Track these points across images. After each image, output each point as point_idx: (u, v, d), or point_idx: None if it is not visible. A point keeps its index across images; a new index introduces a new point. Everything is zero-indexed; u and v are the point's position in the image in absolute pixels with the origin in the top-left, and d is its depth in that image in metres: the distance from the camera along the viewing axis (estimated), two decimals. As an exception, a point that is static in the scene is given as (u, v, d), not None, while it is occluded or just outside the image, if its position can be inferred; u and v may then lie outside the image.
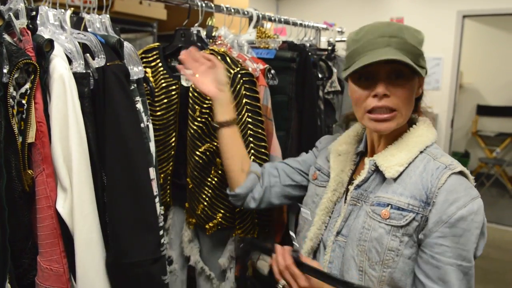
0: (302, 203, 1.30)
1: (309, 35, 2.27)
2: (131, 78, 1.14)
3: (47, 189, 0.97)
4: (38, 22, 1.07)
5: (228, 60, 1.44)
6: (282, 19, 2.03)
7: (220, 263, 1.58)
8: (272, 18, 1.96)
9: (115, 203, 1.06)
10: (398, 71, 1.02)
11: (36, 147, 0.96)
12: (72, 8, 1.19)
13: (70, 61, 1.04)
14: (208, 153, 1.45)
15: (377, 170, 1.09)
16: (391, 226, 1.01)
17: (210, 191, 1.49)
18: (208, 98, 1.39)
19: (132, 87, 1.15)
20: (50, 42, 0.98)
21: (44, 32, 1.07)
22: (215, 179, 1.48)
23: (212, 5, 1.64)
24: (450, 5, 5.23)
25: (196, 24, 1.60)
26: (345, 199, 1.15)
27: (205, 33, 1.64)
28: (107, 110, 1.05)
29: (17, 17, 0.99)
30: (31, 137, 0.95)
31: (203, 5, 1.59)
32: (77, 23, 1.20)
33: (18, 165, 0.94)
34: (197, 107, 1.45)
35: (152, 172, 1.16)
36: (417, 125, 1.12)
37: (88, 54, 1.06)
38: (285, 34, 2.49)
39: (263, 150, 1.45)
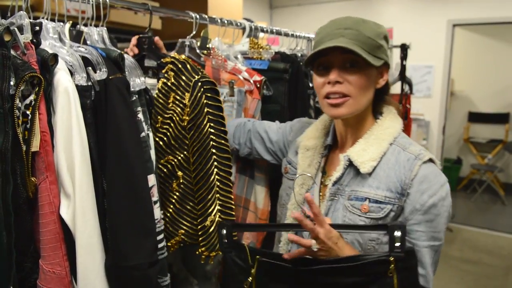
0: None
1: (300, 45, 2.32)
2: (133, 90, 1.19)
3: (50, 195, 1.01)
4: (38, 36, 1.10)
5: (189, 67, 1.35)
6: (274, 30, 2.07)
7: (207, 270, 1.59)
8: (265, 29, 2.00)
9: (114, 209, 1.10)
10: (352, 61, 1.09)
11: (40, 156, 1.00)
12: (71, 21, 1.22)
13: (71, 74, 1.07)
14: (169, 166, 1.38)
15: (350, 164, 1.14)
16: (370, 218, 1.08)
17: (171, 206, 1.39)
18: (170, 106, 1.34)
19: (134, 98, 1.20)
20: (55, 57, 1.02)
21: (44, 45, 1.11)
22: (177, 193, 1.38)
23: (206, 17, 1.66)
24: (440, 14, 5.31)
25: (189, 36, 1.62)
26: (323, 194, 1.19)
27: (199, 44, 1.65)
28: (108, 120, 1.09)
29: (21, 31, 1.02)
30: (35, 146, 0.99)
31: (197, 17, 1.61)
32: (77, 36, 1.24)
33: (23, 172, 0.98)
34: (159, 117, 1.37)
35: (153, 178, 1.20)
36: (383, 116, 1.18)
37: (90, 68, 1.10)
38: (278, 44, 2.54)
39: (226, 162, 1.34)
